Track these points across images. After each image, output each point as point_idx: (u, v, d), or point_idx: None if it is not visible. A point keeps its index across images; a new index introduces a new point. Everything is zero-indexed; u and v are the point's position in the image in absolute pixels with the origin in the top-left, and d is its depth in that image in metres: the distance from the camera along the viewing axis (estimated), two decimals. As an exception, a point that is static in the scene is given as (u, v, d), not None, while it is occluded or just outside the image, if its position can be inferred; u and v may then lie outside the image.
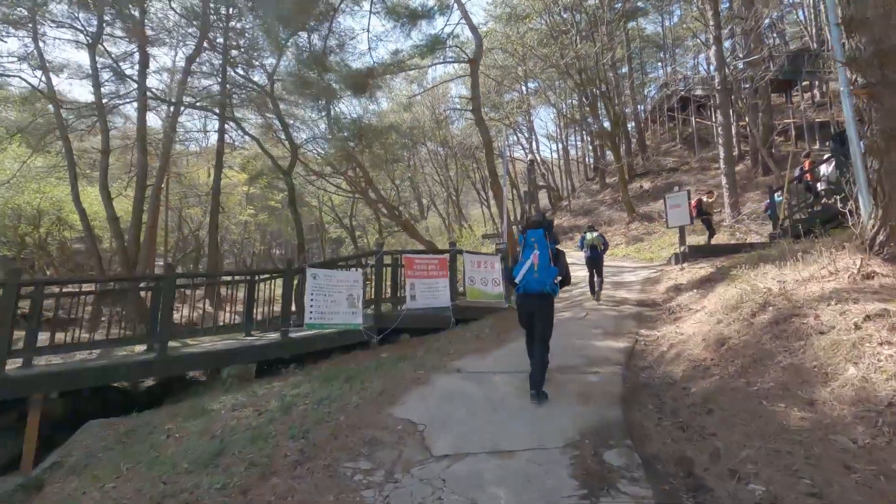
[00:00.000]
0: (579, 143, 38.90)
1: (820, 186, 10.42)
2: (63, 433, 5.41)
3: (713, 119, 26.50)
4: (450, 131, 29.43)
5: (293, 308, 7.99)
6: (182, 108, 16.51)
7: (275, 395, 5.44)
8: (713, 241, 13.20)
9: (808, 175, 10.64)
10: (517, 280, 4.40)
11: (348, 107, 26.56)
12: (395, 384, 5.04)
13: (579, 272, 13.48)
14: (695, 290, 8.12)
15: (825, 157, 10.75)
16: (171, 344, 7.34)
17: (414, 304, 8.17)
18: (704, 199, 13.16)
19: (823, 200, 9.99)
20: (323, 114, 16.41)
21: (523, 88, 30.08)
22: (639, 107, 31.38)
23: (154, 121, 22.51)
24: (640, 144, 29.48)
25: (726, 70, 15.87)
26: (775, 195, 11.01)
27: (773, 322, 4.34)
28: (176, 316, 12.52)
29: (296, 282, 8.35)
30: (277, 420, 4.38)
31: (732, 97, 17.02)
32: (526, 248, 4.45)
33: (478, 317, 8.73)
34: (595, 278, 9.33)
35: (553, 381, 4.74)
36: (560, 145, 38.69)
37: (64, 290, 7.98)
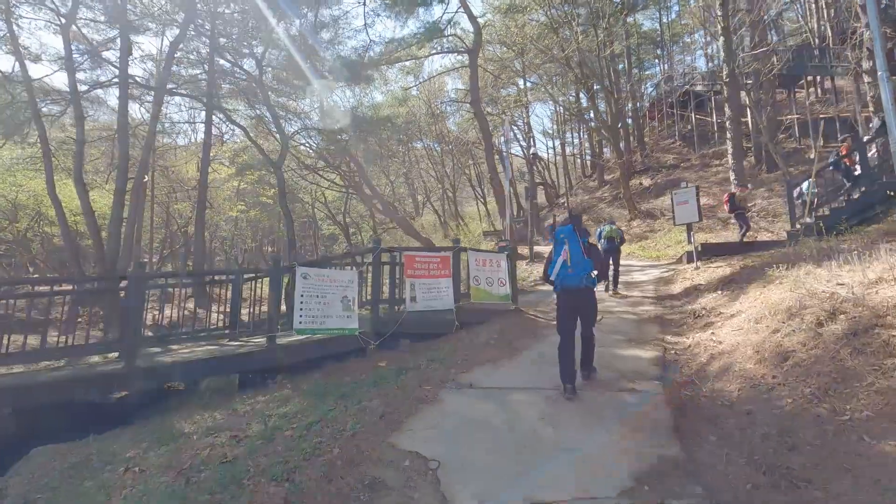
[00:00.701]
0: (576, 141, 38.29)
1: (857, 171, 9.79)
2: (13, 456, 4.62)
3: (711, 114, 26.00)
4: (446, 126, 28.66)
5: (283, 311, 7.22)
6: (166, 96, 15.58)
7: (257, 414, 4.68)
8: (749, 238, 12.39)
9: (847, 160, 9.98)
10: (552, 278, 4.41)
11: (342, 99, 25.75)
12: (397, 403, 4.30)
13: None
14: (719, 292, 7.44)
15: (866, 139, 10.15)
16: (152, 349, 6.56)
17: (414, 307, 7.42)
18: (738, 192, 12.08)
19: (863, 189, 9.35)
20: (316, 105, 15.58)
21: (521, 83, 29.34)
22: (637, 104, 30.74)
23: (140, 113, 21.54)
24: (639, 141, 28.87)
25: (734, 62, 15.22)
26: (804, 184, 10.31)
27: (849, 333, 3.64)
28: (157, 317, 11.70)
29: (286, 282, 7.58)
30: (258, 451, 3.61)
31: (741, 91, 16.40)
32: (557, 245, 4.45)
33: (484, 320, 7.99)
34: (611, 269, 9.27)
35: (586, 402, 4.02)
36: (557, 142, 38.05)
37: (36, 289, 7.15)
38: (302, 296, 6.41)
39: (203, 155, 15.72)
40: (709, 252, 11.02)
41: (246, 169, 17.59)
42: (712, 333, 5.52)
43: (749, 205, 12.91)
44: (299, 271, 6.46)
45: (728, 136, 15.24)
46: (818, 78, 22.70)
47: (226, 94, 17.24)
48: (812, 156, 19.47)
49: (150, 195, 19.75)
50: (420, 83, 22.40)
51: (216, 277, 8.12)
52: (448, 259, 7.92)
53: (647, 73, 37.94)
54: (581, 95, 32.79)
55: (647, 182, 24.98)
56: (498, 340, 6.65)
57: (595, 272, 4.37)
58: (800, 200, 10.44)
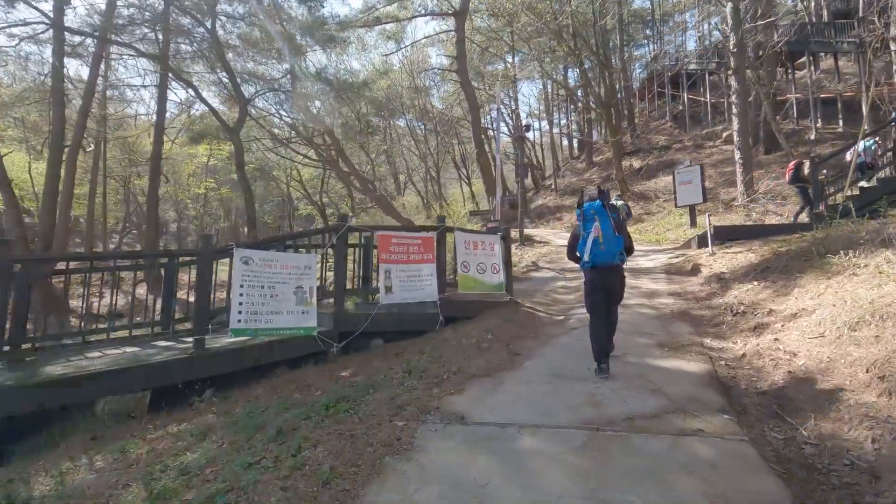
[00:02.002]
0: (563, 122, 36.82)
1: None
2: None
3: (705, 94, 24.73)
4: (430, 101, 26.84)
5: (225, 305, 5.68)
6: (115, 56, 13.54)
7: (155, 460, 3.19)
8: (756, 221, 11.11)
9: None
10: (584, 256, 4.11)
11: (316, 65, 23.58)
12: (354, 453, 2.85)
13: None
14: (755, 283, 6.15)
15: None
16: (52, 357, 4.98)
17: (390, 299, 5.96)
18: (806, 162, 9.99)
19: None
20: (287, 70, 13.75)
21: (509, 59, 27.60)
22: (629, 82, 29.34)
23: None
24: (630, 122, 27.58)
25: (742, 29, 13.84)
26: (863, 142, 8.97)
27: None
28: (90, 307, 9.98)
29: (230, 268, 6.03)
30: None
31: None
32: (586, 221, 4.12)
33: (473, 314, 6.58)
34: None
35: (638, 452, 2.64)
36: (544, 122, 36.54)
37: None
38: (242, 286, 4.89)
39: (157, 121, 13.79)
40: (720, 236, 9.75)
41: (201, 136, 15.71)
42: (775, 340, 4.18)
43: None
44: (238, 254, 4.91)
45: (734, 111, 13.96)
46: (814, 58, 21.56)
47: (184, 55, 15.20)
48: (812, 136, 18.46)
49: (102, 168, 17.64)
50: (402, 48, 20.53)
51: (140, 261, 6.48)
52: (431, 241, 6.45)
53: (637, 52, 36.59)
54: (570, 74, 31.27)
55: (637, 163, 23.75)
56: (493, 342, 5.24)
57: (621, 250, 4.09)
58: (860, 161, 9.01)
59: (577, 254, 4.25)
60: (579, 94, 27.94)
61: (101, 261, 5.66)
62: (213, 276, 5.71)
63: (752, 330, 4.69)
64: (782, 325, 4.43)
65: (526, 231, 15.50)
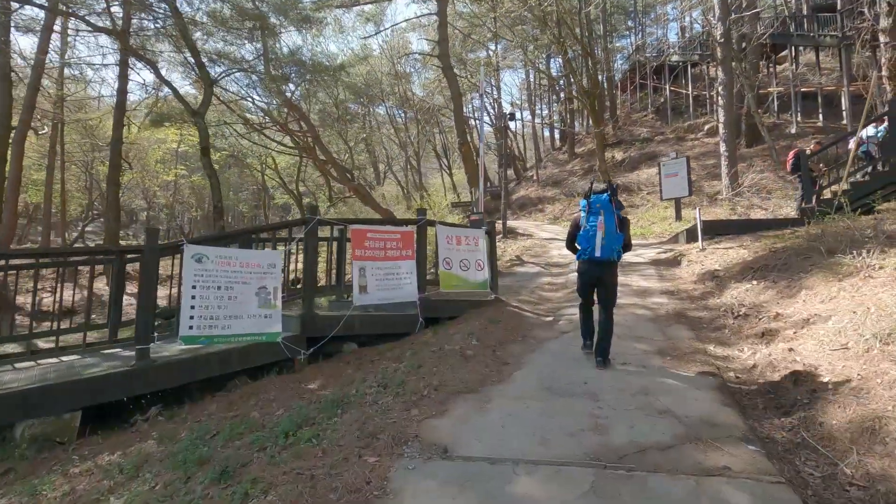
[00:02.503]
0: (546, 112, 36.38)
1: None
2: None
3: (687, 86, 24.55)
4: (410, 89, 26.02)
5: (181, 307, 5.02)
6: (72, 32, 12.45)
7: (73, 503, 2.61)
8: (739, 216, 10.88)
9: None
10: (581, 246, 4.13)
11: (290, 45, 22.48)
12: (313, 501, 2.31)
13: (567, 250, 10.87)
14: (753, 282, 5.79)
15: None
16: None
17: (365, 299, 5.40)
18: (809, 150, 9.60)
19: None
20: (259, 51, 12.86)
21: (492, 47, 26.92)
22: (611, 73, 29.01)
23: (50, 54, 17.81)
24: (612, 114, 27.29)
25: (729, 19, 13.52)
26: (868, 128, 8.62)
27: None
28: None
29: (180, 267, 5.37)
30: None
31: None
32: (591, 214, 4.08)
33: (456, 314, 6.08)
34: None
35: (653, 499, 2.17)
36: (527, 113, 36.07)
37: None
38: (195, 287, 4.28)
39: (117, 102, 12.76)
40: (708, 230, 9.44)
41: (164, 120, 14.68)
42: (790, 350, 3.78)
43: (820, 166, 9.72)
44: (189, 251, 4.28)
45: (720, 103, 13.68)
46: (794, 52, 21.51)
47: (148, 32, 14.11)
48: (793, 130, 18.42)
49: (61, 153, 16.44)
50: (382, 31, 19.63)
51: (71, 258, 5.75)
52: (411, 235, 5.90)
53: (619, 44, 36.27)
54: (553, 65, 30.79)
55: (619, 155, 23.51)
56: (477, 348, 4.74)
57: (620, 247, 4.10)
58: (861, 150, 8.65)
59: (577, 245, 4.25)
60: (562, 83, 27.53)
61: (17, 258, 4.89)
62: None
63: (760, 336, 4.30)
64: (794, 333, 4.03)
65: (508, 223, 15.05)
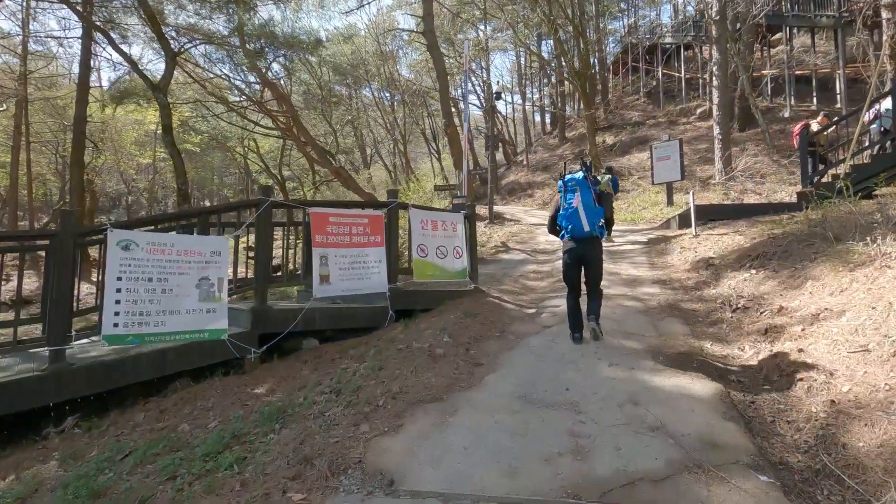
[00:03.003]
0: (536, 96, 35.57)
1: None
2: None
3: (680, 69, 23.82)
4: (397, 70, 25.10)
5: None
6: (34, 3, 11.54)
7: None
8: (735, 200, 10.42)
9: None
10: (563, 225, 4.07)
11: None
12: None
13: (555, 237, 10.28)
14: (752, 271, 5.31)
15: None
16: None
17: (326, 291, 4.84)
18: (814, 124, 8.83)
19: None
20: (233, 19, 12.02)
21: (481, 28, 25.99)
22: (602, 55, 28.23)
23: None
24: (603, 97, 26.62)
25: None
26: (887, 101, 7.91)
27: None
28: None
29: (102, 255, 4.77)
30: None
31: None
32: (567, 192, 4.04)
33: (431, 305, 5.55)
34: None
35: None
36: (517, 97, 35.27)
37: None
38: (121, 279, 3.70)
39: (80, 77, 11.89)
40: (702, 215, 8.96)
41: (125, 96, 13.81)
42: (799, 351, 3.30)
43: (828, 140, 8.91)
44: (113, 238, 3.69)
45: (714, 84, 13.11)
46: (789, 34, 20.92)
47: (114, 5, 13.15)
48: (787, 114, 17.93)
49: (26, 133, 15.50)
50: (365, 4, 18.68)
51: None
52: (380, 220, 5.32)
53: (610, 26, 35.40)
54: (544, 47, 29.91)
55: (610, 139, 22.94)
56: (449, 346, 4.22)
57: (602, 221, 4.07)
58: (875, 126, 8.02)
59: (558, 227, 4.18)
60: (553, 66, 26.76)
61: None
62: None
63: (764, 334, 3.81)
64: (802, 330, 3.55)
65: (496, 208, 14.50)
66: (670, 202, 12.18)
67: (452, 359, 3.91)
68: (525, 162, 26.77)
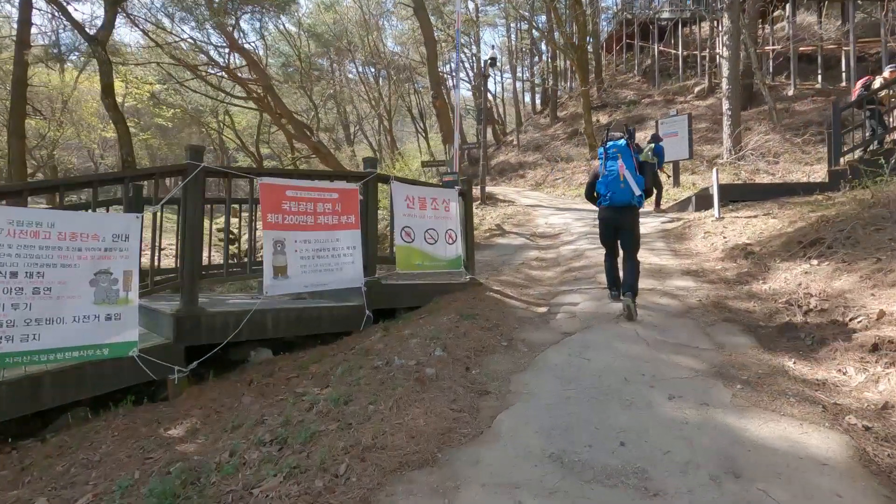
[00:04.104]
0: (527, 74, 34.11)
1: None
2: None
3: (677, 46, 22.53)
4: (381, 41, 23.42)
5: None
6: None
7: None
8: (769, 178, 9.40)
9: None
10: (601, 192, 3.96)
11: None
12: None
13: (557, 219, 9.18)
14: (814, 261, 4.30)
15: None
16: None
17: (282, 287, 3.67)
18: (881, 77, 7.26)
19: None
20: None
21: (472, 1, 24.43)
22: (597, 28, 26.86)
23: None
24: (597, 75, 25.38)
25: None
26: None
27: None
28: None
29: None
30: None
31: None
32: (608, 160, 3.94)
33: (418, 302, 4.44)
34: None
35: None
36: (506, 76, 33.82)
37: None
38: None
39: (17, 34, 10.26)
40: (721, 196, 7.93)
41: (62, 53, 12.20)
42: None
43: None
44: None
45: (724, 55, 12.00)
46: (794, 7, 19.84)
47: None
48: (791, 92, 16.96)
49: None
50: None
51: None
52: (354, 196, 4.15)
53: (603, 4, 33.92)
54: (536, 23, 28.40)
55: (605, 119, 21.79)
56: (443, 362, 3.12)
57: (642, 191, 3.87)
58: None
59: (596, 193, 4.08)
60: (544, 44, 25.38)
61: None
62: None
63: (872, 350, 2.77)
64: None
65: (487, 188, 13.32)
66: (676, 183, 11.16)
67: (448, 384, 2.81)
68: (515, 142, 25.54)
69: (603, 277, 4.87)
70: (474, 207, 11.32)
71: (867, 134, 7.28)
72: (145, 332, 3.41)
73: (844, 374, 2.70)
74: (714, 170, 7.17)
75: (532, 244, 7.60)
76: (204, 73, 12.79)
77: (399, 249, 4.47)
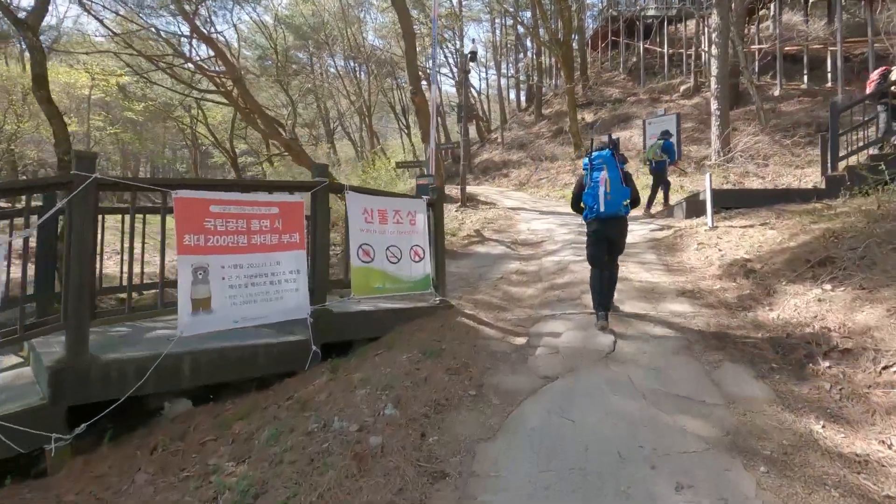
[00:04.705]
0: (511, 71, 33.49)
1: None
2: None
3: (663, 44, 22.10)
4: (361, 34, 22.53)
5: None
6: None
7: None
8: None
9: None
10: (588, 204, 3.85)
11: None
12: None
13: (541, 225, 8.59)
14: (826, 286, 3.77)
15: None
16: None
17: (206, 324, 2.99)
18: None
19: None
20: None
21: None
22: (581, 24, 26.36)
23: None
24: (583, 72, 24.89)
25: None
26: None
27: None
28: None
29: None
30: None
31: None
32: (593, 170, 3.84)
33: (377, 332, 3.80)
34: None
35: None
36: (490, 72, 33.18)
37: None
38: None
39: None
40: (715, 202, 7.43)
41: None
42: None
43: None
44: None
45: (713, 52, 11.55)
46: (780, 6, 19.56)
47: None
48: (777, 93, 16.65)
49: None
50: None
51: None
52: (299, 210, 3.49)
53: (588, 2, 33.44)
54: (521, 18, 27.77)
55: (590, 117, 21.34)
56: (393, 424, 2.50)
57: (627, 201, 3.80)
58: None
59: (582, 204, 3.96)
60: (529, 41, 24.81)
61: None
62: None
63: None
64: None
65: (469, 188, 12.70)
66: (666, 186, 10.65)
67: (395, 461, 2.19)
68: (500, 139, 24.97)
69: (588, 299, 4.31)
70: (454, 210, 10.73)
71: (880, 132, 6.82)
72: (28, 384, 2.72)
73: (890, 447, 2.15)
74: (707, 175, 6.64)
75: (513, 253, 7.01)
76: (167, 65, 11.88)
77: (356, 271, 3.82)
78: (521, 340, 3.74)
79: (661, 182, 8.58)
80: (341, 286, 3.84)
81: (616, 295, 4.31)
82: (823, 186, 6.95)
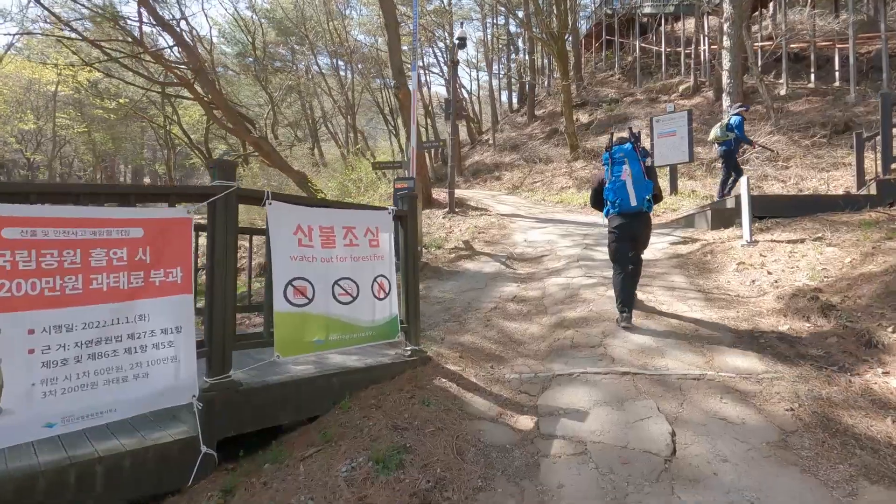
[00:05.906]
0: (503, 72, 32.37)
1: None
2: None
3: (660, 43, 20.99)
4: (344, 28, 21.19)
5: None
6: None
7: None
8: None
9: None
10: (610, 199, 3.66)
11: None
12: None
13: (539, 235, 7.25)
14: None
15: None
16: None
17: (-10, 432, 1.70)
18: None
19: None
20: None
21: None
22: (576, 22, 25.31)
23: None
24: (577, 71, 23.81)
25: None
26: None
27: None
28: None
29: None
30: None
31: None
32: (614, 165, 3.65)
33: (314, 411, 2.53)
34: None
35: None
36: (482, 72, 32.04)
37: None
38: None
39: None
40: (739, 210, 6.26)
41: None
42: None
43: None
44: None
45: (724, 45, 10.46)
46: (784, 5, 18.61)
47: None
48: (783, 91, 15.65)
49: None
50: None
51: None
52: (184, 230, 2.20)
53: (583, 2, 32.45)
54: (512, 23, 26.70)
55: (585, 118, 20.25)
56: None
57: (648, 196, 3.60)
58: None
59: (605, 201, 3.73)
60: (521, 41, 23.68)
61: None
62: None
63: None
64: None
65: (459, 192, 11.47)
66: (674, 189, 9.54)
67: None
68: (491, 141, 23.80)
69: (617, 349, 3.09)
70: (441, 217, 9.47)
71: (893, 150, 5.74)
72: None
73: None
74: (744, 178, 5.45)
75: (508, 272, 5.77)
76: (124, 53, 10.51)
77: (282, 319, 2.54)
78: (526, 422, 2.50)
79: (730, 168, 7.07)
80: (261, 344, 2.56)
81: (652, 343, 3.12)
82: (875, 192, 5.82)
